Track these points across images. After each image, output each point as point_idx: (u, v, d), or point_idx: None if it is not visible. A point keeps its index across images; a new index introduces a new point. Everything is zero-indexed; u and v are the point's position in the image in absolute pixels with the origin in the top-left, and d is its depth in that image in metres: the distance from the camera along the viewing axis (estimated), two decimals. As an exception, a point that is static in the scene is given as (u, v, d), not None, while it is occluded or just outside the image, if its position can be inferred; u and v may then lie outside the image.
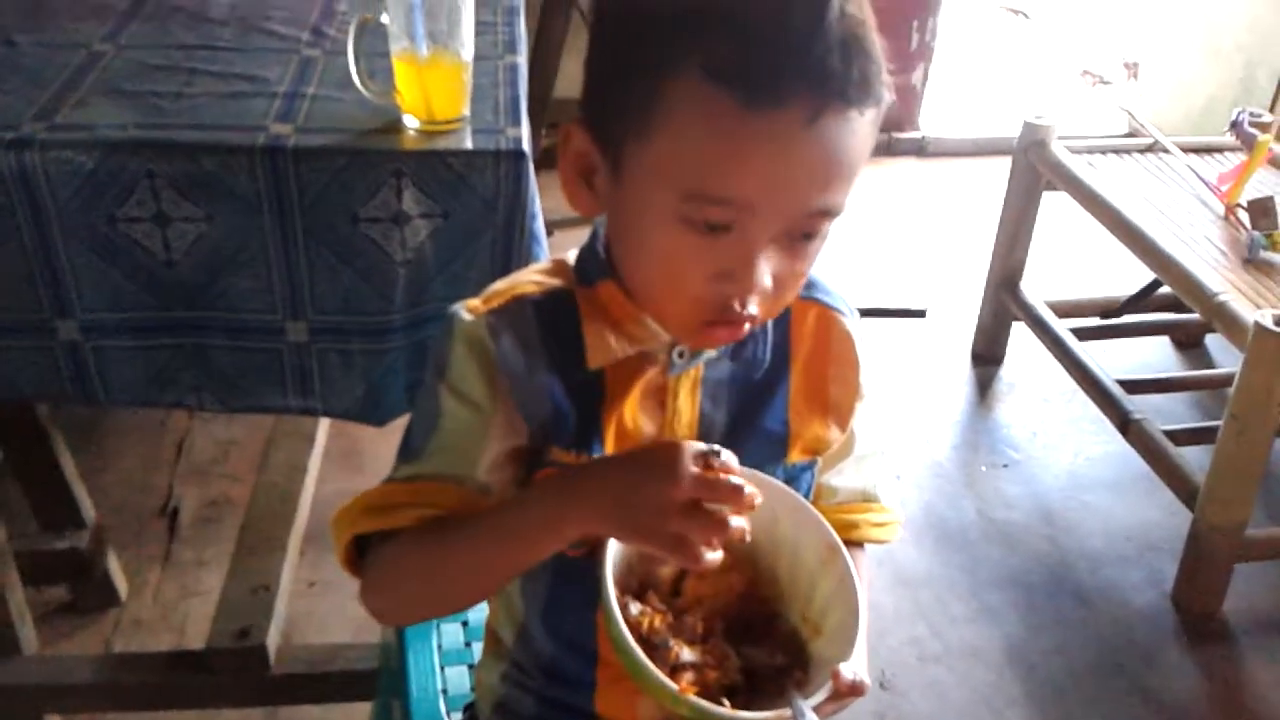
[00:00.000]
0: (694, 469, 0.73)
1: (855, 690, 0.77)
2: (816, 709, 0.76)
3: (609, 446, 0.85)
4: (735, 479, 0.73)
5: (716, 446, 0.75)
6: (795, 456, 0.90)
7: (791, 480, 0.88)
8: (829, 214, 0.75)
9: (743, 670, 0.82)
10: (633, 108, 0.73)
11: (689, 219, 0.73)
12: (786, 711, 0.76)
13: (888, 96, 0.74)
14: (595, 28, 0.79)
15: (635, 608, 0.81)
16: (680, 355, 0.84)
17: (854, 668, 0.77)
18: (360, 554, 0.87)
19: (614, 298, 0.83)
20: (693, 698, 0.75)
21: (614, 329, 0.84)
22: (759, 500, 0.74)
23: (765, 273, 0.74)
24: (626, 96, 0.74)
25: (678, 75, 0.70)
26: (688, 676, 0.78)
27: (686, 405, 0.86)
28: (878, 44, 0.73)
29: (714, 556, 0.73)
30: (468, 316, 0.84)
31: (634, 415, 0.85)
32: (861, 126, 0.72)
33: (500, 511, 0.82)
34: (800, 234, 0.75)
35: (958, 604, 2.08)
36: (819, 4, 0.68)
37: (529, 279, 0.87)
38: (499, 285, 0.87)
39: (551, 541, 0.78)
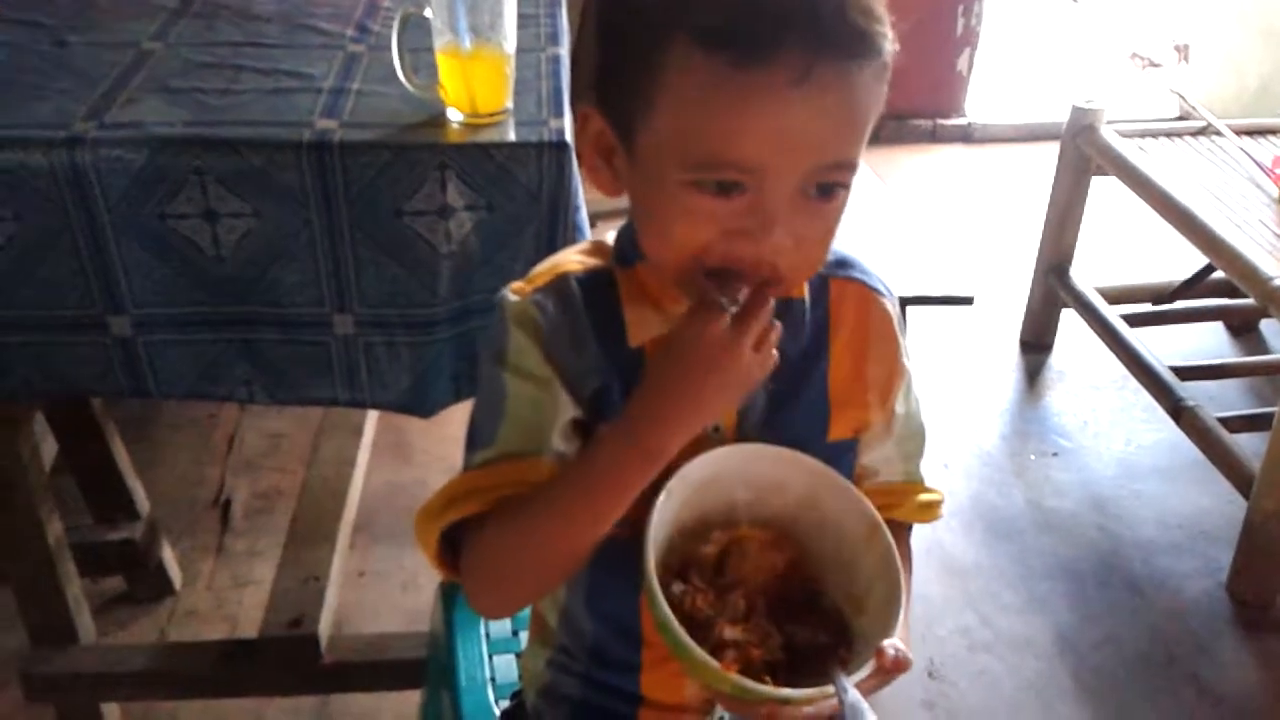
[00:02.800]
0: (703, 314, 0.76)
1: (899, 666, 0.77)
2: (860, 685, 0.76)
3: None
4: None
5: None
6: (836, 435, 0.90)
7: (833, 459, 0.88)
8: (841, 168, 0.75)
9: (785, 648, 0.82)
10: (635, 83, 0.74)
11: (701, 184, 0.74)
12: (829, 688, 0.76)
13: (890, 49, 0.73)
14: (598, 9, 0.80)
15: (678, 587, 0.81)
16: None
17: (897, 644, 0.77)
18: (451, 558, 0.87)
19: (652, 277, 0.84)
20: (735, 675, 0.75)
21: (654, 307, 0.85)
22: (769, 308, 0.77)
23: (782, 232, 0.74)
24: (629, 73, 0.75)
25: (670, 45, 0.71)
26: (730, 654, 0.78)
27: None
28: None
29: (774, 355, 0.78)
30: (514, 298, 0.85)
31: None
32: (862, 80, 0.72)
33: (578, 466, 0.82)
34: (816, 190, 0.75)
35: (1008, 593, 2.07)
36: None
37: (571, 258, 0.89)
38: (542, 266, 0.88)
39: (640, 472, 0.78)
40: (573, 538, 0.82)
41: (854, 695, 0.75)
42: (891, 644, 0.77)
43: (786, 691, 0.76)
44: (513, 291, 0.86)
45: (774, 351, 0.78)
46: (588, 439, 0.86)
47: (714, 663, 0.75)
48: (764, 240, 0.74)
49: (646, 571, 0.76)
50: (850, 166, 0.75)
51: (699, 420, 0.79)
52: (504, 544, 0.83)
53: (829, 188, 0.75)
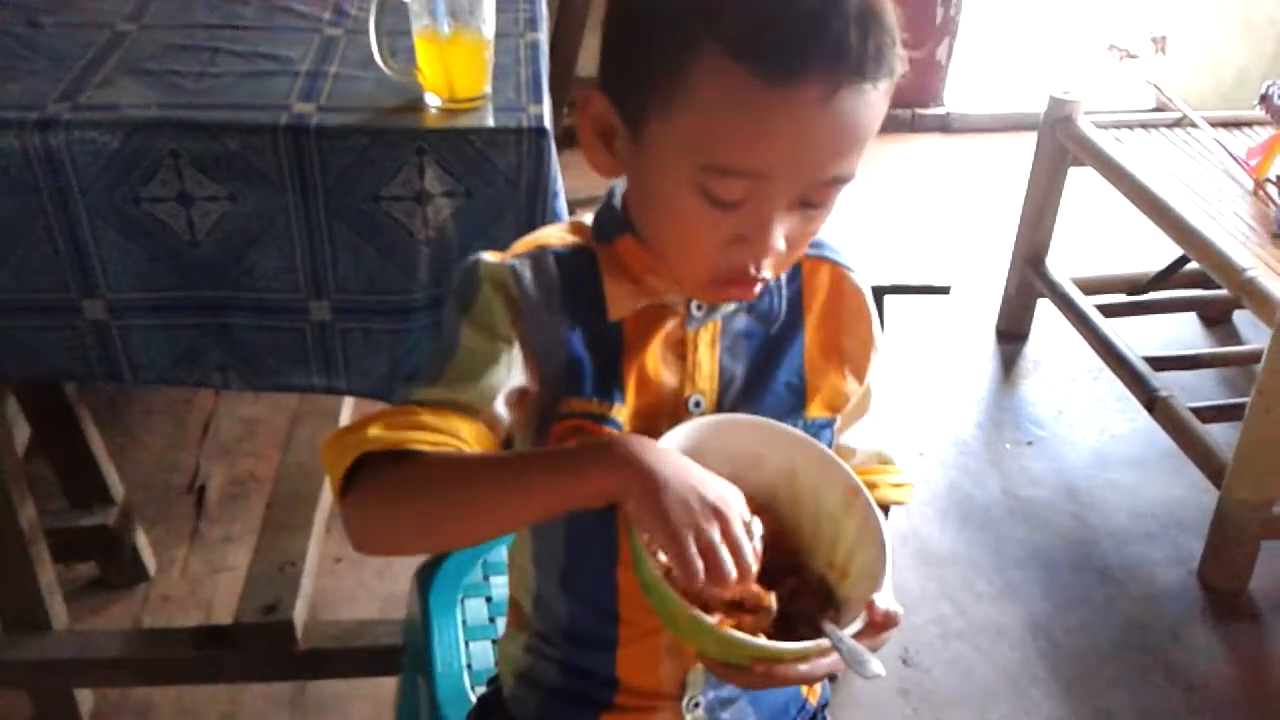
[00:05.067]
0: (744, 512, 0.75)
1: (889, 620, 0.78)
2: (853, 639, 0.76)
3: (630, 395, 0.86)
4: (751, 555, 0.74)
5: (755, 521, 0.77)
6: (814, 411, 0.91)
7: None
8: (841, 181, 0.78)
9: (774, 618, 0.80)
10: (654, 83, 0.75)
11: (706, 191, 0.75)
12: (824, 641, 0.75)
13: (901, 68, 0.76)
14: (613, 3, 0.80)
15: (663, 555, 0.80)
16: (698, 308, 0.87)
17: (886, 599, 0.78)
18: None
19: (632, 252, 0.86)
20: (725, 630, 0.73)
21: (633, 282, 0.86)
22: (753, 569, 0.74)
23: (779, 237, 0.77)
24: (648, 72, 0.75)
25: (698, 52, 0.72)
26: (718, 618, 0.76)
27: (706, 357, 0.88)
28: (893, 15, 0.74)
29: (731, 576, 0.72)
30: (492, 259, 0.86)
31: (655, 366, 0.87)
32: (875, 98, 0.75)
33: (529, 453, 0.83)
34: (813, 200, 0.78)
35: (982, 581, 2.08)
36: None
37: (551, 234, 0.90)
38: (522, 240, 0.89)
39: (571, 490, 0.77)
40: (484, 518, 0.81)
41: (851, 642, 0.75)
42: (880, 597, 0.78)
43: (780, 645, 0.74)
44: (491, 255, 0.86)
45: (727, 567, 0.73)
46: (541, 416, 0.85)
47: (705, 617, 0.73)
48: (762, 245, 0.77)
49: (632, 530, 0.75)
50: (847, 180, 0.78)
51: (630, 485, 0.75)
52: (418, 491, 0.80)
53: (824, 200, 0.78)
